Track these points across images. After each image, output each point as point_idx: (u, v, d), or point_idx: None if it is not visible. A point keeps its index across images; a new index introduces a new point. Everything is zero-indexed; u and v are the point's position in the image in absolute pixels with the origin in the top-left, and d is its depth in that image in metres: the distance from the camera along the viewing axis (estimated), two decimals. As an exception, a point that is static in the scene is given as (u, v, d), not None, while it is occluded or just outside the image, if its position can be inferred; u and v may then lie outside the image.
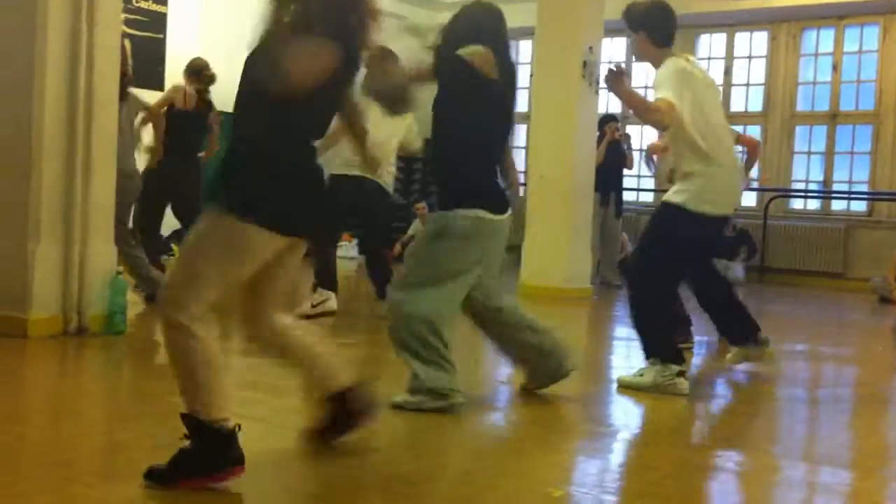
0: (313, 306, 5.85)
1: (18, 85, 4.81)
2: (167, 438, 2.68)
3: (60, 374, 4.42)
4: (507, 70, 3.78)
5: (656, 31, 4.29)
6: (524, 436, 3.70)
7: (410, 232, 11.89)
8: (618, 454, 3.47)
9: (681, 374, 4.22)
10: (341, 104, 2.89)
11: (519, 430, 3.78)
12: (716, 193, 4.23)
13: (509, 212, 3.78)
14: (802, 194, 12.05)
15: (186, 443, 2.55)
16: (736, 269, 10.72)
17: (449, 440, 3.44)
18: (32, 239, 4.73)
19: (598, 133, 9.10)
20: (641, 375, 4.30)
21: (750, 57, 12.30)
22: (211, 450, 2.53)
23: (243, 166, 2.65)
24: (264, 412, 3.55)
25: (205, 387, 2.54)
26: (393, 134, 6.15)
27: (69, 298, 4.81)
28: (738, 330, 4.90)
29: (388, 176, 6.22)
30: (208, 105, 6.95)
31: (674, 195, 4.27)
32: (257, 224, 2.57)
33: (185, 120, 6.77)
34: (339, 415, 2.97)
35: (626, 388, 4.32)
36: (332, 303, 5.92)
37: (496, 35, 3.74)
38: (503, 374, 5.05)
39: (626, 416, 4.13)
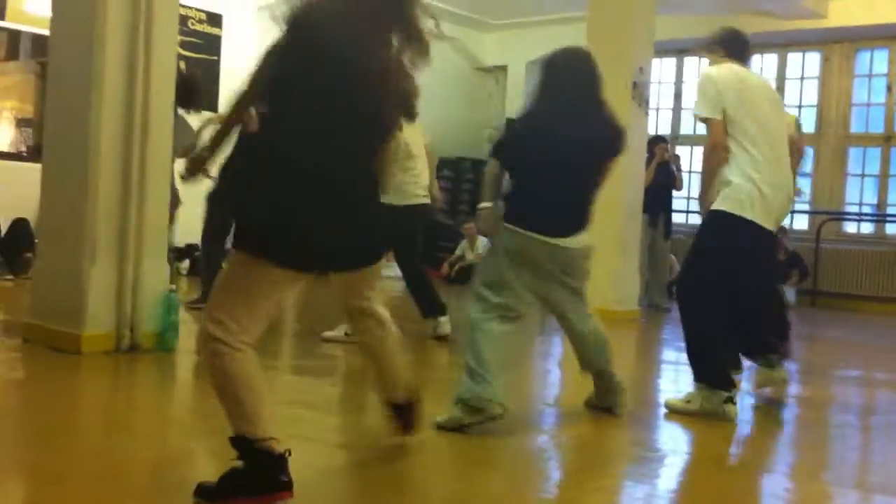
0: (347, 335, 5.70)
1: (75, 105, 4.91)
2: (217, 454, 2.71)
3: (113, 389, 4.49)
4: (580, 106, 3.95)
5: (725, 46, 4.51)
6: (571, 459, 3.69)
7: (458, 252, 11.92)
8: (665, 479, 3.43)
9: (729, 400, 4.17)
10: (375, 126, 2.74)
11: (565, 453, 3.76)
12: (751, 200, 4.17)
13: (573, 238, 3.86)
14: (856, 217, 11.87)
15: (238, 463, 2.57)
16: (787, 293, 10.58)
17: (494, 462, 3.43)
18: (88, 258, 4.82)
19: (647, 154, 9.06)
20: (689, 402, 4.26)
21: (802, 78, 12.17)
22: (261, 472, 2.55)
23: (258, 177, 2.59)
24: (315, 430, 3.57)
25: (249, 410, 2.55)
26: (422, 148, 6.15)
27: (122, 316, 4.89)
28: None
29: (436, 189, 6.24)
30: None
31: (714, 203, 4.26)
32: (273, 264, 2.54)
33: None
34: (396, 419, 3.27)
35: (673, 411, 4.29)
36: None
37: (572, 81, 3.98)
38: (550, 395, 5.04)
39: (674, 440, 4.08)
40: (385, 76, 2.63)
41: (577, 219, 3.93)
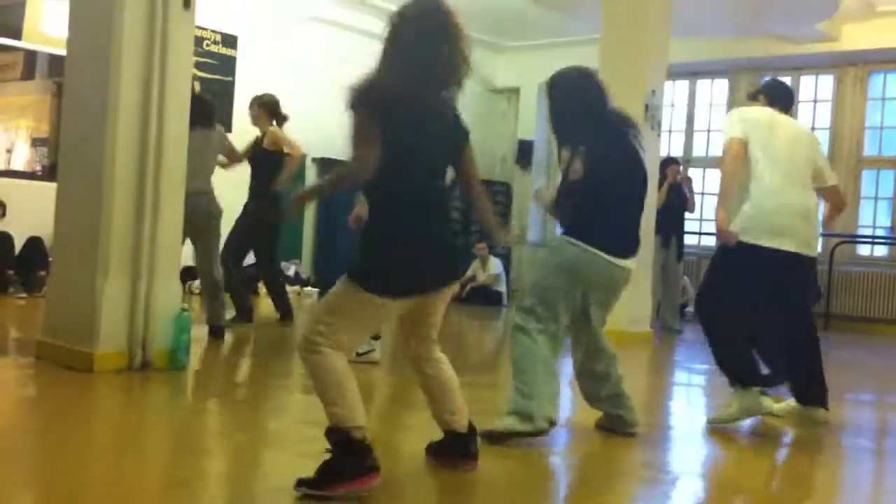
0: (358, 354, 5.62)
1: (91, 124, 4.96)
2: (228, 475, 2.72)
3: (125, 407, 4.51)
4: (610, 132, 4.01)
5: (768, 95, 4.83)
6: (579, 479, 3.67)
7: (470, 273, 11.92)
8: (676, 501, 3.41)
9: (763, 393, 4.40)
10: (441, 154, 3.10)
11: (574, 472, 3.75)
12: (756, 225, 4.44)
13: (629, 259, 3.94)
14: (870, 240, 11.82)
15: (328, 455, 2.82)
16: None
17: (502, 480, 3.42)
18: (101, 276, 4.85)
19: (659, 176, 9.06)
20: (728, 406, 4.45)
21: (815, 101, 12.16)
22: (353, 459, 2.82)
23: (368, 233, 3.00)
24: (323, 448, 3.57)
25: (341, 399, 2.85)
26: None
27: (135, 334, 4.91)
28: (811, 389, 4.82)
29: None
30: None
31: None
32: (372, 292, 2.90)
33: (265, 160, 6.99)
34: (446, 448, 3.35)
35: (718, 424, 4.46)
36: (377, 354, 5.83)
37: (589, 107, 4.01)
38: (562, 416, 5.02)
39: (686, 461, 4.07)
40: (444, 123, 3.06)
41: (635, 239, 4.05)
